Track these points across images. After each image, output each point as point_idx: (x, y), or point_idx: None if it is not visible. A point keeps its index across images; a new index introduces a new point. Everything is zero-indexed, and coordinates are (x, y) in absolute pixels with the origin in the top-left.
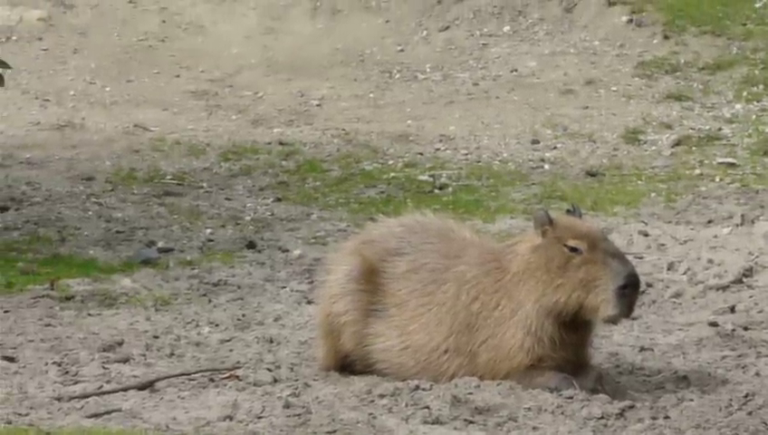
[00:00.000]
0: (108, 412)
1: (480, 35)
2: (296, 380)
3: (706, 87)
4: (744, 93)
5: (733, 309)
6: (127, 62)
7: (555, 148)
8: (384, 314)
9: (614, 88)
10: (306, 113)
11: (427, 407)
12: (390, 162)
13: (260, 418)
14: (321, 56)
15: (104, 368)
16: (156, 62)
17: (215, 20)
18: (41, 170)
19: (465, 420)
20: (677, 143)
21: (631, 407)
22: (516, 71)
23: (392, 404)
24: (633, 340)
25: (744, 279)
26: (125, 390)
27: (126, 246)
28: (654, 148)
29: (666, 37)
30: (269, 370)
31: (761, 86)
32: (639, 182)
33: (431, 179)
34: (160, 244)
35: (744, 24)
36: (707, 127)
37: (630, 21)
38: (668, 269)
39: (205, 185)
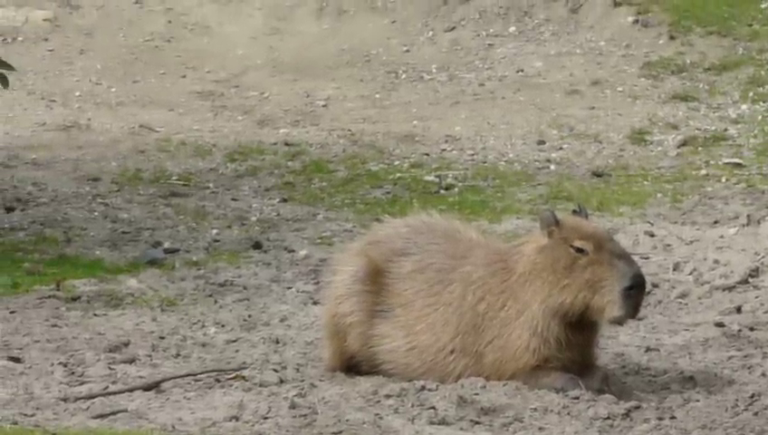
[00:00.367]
0: (114, 413)
1: (486, 36)
2: (302, 380)
3: (712, 87)
4: (750, 94)
5: (739, 309)
6: (133, 62)
7: (561, 148)
8: (390, 314)
9: (620, 88)
10: (312, 114)
11: (434, 407)
12: (396, 163)
13: (266, 418)
14: (327, 57)
15: (110, 369)
16: (162, 62)
17: (221, 20)
18: (47, 171)
19: (472, 420)
20: (683, 144)
21: (637, 407)
22: (522, 71)
23: (398, 405)
24: (639, 340)
25: (750, 280)
26: (131, 390)
27: (132, 246)
28: (660, 148)
29: (672, 38)
30: (275, 370)
31: (767, 87)
32: (645, 183)
33: (437, 180)
34: (166, 244)
35: (750, 25)
36: (713, 127)
37: (636, 21)
38: (674, 270)
39: (211, 185)
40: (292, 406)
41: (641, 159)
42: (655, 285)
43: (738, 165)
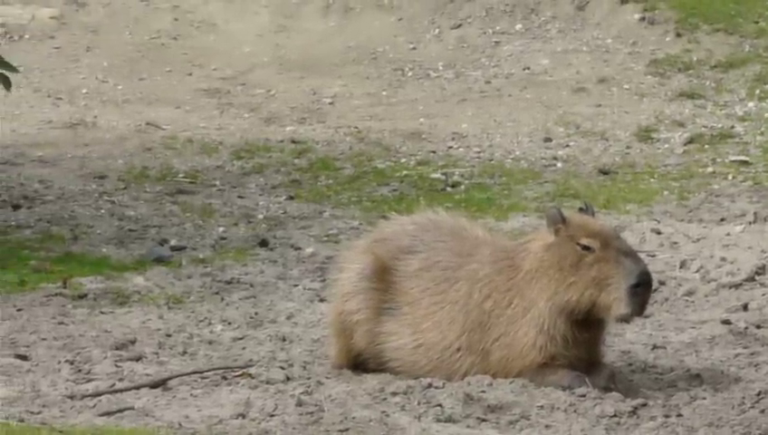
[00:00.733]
0: (120, 411)
1: (492, 33)
2: (309, 378)
3: (719, 85)
4: (757, 91)
5: (745, 307)
6: (139, 60)
7: (568, 146)
8: (397, 312)
9: (626, 86)
10: (318, 111)
11: (440, 405)
12: (403, 160)
13: (272, 416)
14: (334, 54)
15: (117, 366)
16: (168, 60)
17: (227, 18)
18: (53, 169)
19: (478, 418)
20: (690, 141)
21: (644, 405)
22: (529, 69)
23: (405, 402)
24: (646, 338)
25: (757, 277)
26: (137, 388)
27: (138, 244)
28: (666, 146)
29: (678, 35)
30: (282, 368)
31: None
32: (652, 180)
33: (444, 177)
34: (173, 242)
35: (757, 22)
36: (720, 125)
37: (643, 19)
38: (681, 267)
39: (217, 183)
40: (299, 403)
41: (648, 156)
42: (661, 283)
43: (745, 162)
